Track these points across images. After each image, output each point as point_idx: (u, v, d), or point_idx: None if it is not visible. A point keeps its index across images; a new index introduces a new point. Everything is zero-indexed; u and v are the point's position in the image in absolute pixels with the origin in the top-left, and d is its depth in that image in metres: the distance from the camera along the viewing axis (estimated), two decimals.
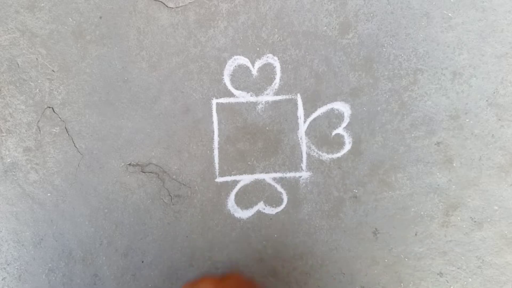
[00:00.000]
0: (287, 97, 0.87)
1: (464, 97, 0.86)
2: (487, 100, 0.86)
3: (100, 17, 0.85)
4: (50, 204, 0.89)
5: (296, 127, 0.88)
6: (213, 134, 0.88)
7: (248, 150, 0.89)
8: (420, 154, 0.88)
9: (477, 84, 0.86)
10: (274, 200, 0.89)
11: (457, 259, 0.89)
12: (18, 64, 0.87)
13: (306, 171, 0.88)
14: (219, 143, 0.89)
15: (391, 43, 0.85)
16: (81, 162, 0.88)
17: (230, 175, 0.89)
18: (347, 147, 0.88)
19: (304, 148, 0.88)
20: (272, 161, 0.89)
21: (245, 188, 0.89)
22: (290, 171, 0.89)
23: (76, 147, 0.88)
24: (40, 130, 0.88)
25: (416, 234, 0.89)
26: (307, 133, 0.88)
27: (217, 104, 0.87)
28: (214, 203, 0.89)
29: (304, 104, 0.87)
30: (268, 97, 0.87)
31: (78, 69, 0.87)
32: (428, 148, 0.87)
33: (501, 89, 0.86)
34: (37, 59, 0.87)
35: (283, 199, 0.89)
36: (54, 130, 0.88)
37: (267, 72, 0.86)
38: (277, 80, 0.87)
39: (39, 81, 0.87)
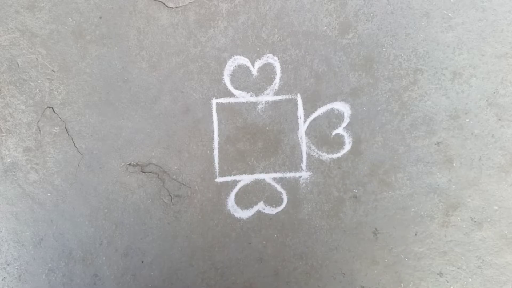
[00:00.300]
0: (287, 97, 0.87)
1: (464, 97, 0.86)
2: (487, 100, 0.86)
3: (100, 17, 0.85)
4: (50, 204, 0.89)
5: (296, 127, 0.88)
6: (213, 134, 0.88)
7: (248, 150, 0.89)
8: (420, 154, 0.88)
9: (477, 84, 0.86)
10: (274, 200, 0.89)
11: (457, 259, 0.89)
12: (18, 64, 0.87)
13: (306, 171, 0.88)
14: (219, 143, 0.89)
15: (391, 43, 0.85)
16: (81, 162, 0.88)
17: (230, 175, 0.89)
18: (347, 147, 0.88)
19: (304, 148, 0.88)
20: (272, 161, 0.89)
21: (245, 188, 0.89)
22: (290, 171, 0.89)
23: (76, 147, 0.88)
24: (40, 130, 0.88)
25: (416, 234, 0.89)
26: (307, 133, 0.88)
27: (217, 104, 0.87)
28: (214, 203, 0.89)
29: (304, 104, 0.87)
30: (268, 97, 0.87)
31: (78, 69, 0.87)
32: (428, 148, 0.87)
33: (501, 89, 0.86)
34: (37, 59, 0.87)
35: (283, 199, 0.89)
36: (54, 130, 0.88)
37: (267, 72, 0.86)
38: (277, 80, 0.87)
39: (39, 81, 0.87)
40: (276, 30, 0.86)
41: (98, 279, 0.90)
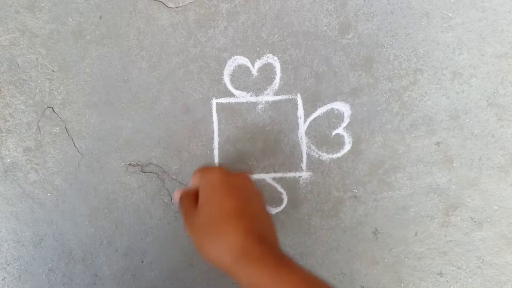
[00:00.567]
0: (287, 97, 0.87)
1: (464, 97, 0.86)
2: (487, 100, 0.86)
3: (100, 17, 0.85)
4: (50, 204, 0.89)
5: (296, 127, 0.88)
6: (213, 134, 0.88)
7: (248, 150, 0.89)
8: (420, 154, 0.87)
9: (477, 84, 0.86)
10: (274, 200, 0.89)
11: (457, 259, 0.89)
12: (18, 64, 0.87)
13: (306, 171, 0.88)
14: (219, 143, 0.88)
15: (391, 43, 0.85)
16: (81, 162, 0.88)
17: None
18: (347, 147, 0.88)
19: (304, 148, 0.88)
20: (272, 161, 0.89)
21: None
22: (290, 171, 0.88)
23: (76, 147, 0.88)
24: (40, 130, 0.88)
25: (416, 234, 0.89)
26: (307, 133, 0.88)
27: (217, 104, 0.87)
28: None
29: (304, 104, 0.87)
30: (268, 97, 0.87)
31: (78, 69, 0.87)
32: (428, 148, 0.87)
33: (501, 89, 0.86)
34: (37, 59, 0.87)
35: (283, 199, 0.89)
36: (54, 130, 0.88)
37: (267, 72, 0.86)
38: (277, 80, 0.87)
39: (39, 81, 0.87)
40: (276, 30, 0.86)
41: (98, 279, 0.90)
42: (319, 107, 0.87)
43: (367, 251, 0.89)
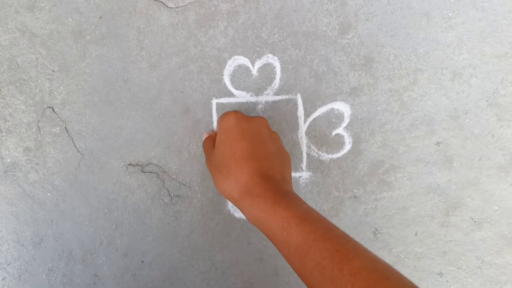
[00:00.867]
0: (287, 97, 0.87)
1: (464, 97, 0.86)
2: (487, 100, 0.86)
3: (100, 17, 0.85)
4: (50, 204, 0.89)
5: (296, 127, 0.88)
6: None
7: None
8: (420, 154, 0.88)
9: (477, 84, 0.86)
10: None
11: (457, 259, 0.89)
12: (18, 64, 0.87)
13: (306, 171, 0.88)
14: None
15: (391, 43, 0.85)
16: (81, 162, 0.88)
17: None
18: (347, 147, 0.88)
19: (304, 148, 0.88)
20: None
21: None
22: None
23: (76, 147, 0.88)
24: (40, 130, 0.88)
25: (416, 234, 0.89)
26: (307, 133, 0.88)
27: (217, 104, 0.87)
28: (214, 203, 0.89)
29: (304, 104, 0.87)
30: (268, 97, 0.87)
31: (78, 69, 0.87)
32: (428, 148, 0.87)
33: (501, 89, 0.86)
34: (37, 59, 0.87)
35: None
36: (54, 130, 0.88)
37: (267, 72, 0.86)
38: (277, 80, 0.87)
39: (39, 81, 0.87)
40: (276, 30, 0.86)
41: (98, 279, 0.90)
42: (319, 107, 0.87)
43: None
